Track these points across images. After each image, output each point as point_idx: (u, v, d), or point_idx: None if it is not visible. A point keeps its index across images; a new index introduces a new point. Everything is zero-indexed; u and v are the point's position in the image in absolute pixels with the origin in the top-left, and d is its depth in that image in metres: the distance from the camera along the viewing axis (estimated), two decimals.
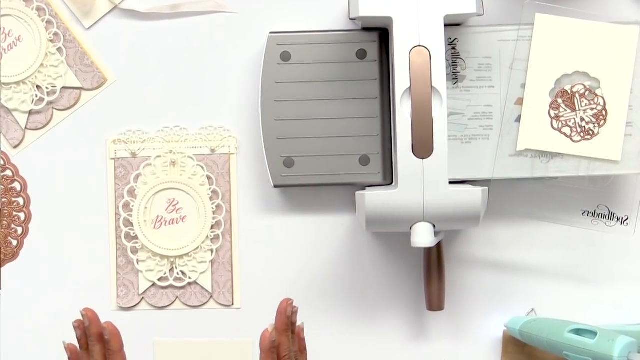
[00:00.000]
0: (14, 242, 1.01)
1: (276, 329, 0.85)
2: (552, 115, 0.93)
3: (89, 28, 1.00)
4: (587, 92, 0.93)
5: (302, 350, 0.88)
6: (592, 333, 0.89)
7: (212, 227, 0.99)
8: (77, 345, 0.85)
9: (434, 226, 0.87)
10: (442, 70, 0.86)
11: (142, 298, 1.00)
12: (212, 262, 1.00)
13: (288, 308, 0.85)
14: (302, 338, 0.88)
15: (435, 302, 0.96)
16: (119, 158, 1.00)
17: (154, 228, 1.00)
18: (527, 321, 0.96)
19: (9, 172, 1.00)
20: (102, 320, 1.00)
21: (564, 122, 0.93)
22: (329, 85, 0.95)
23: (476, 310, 1.00)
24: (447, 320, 1.00)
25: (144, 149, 1.00)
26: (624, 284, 0.99)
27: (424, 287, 0.98)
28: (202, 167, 0.99)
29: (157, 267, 1.00)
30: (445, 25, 0.87)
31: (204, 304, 1.00)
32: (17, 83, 0.99)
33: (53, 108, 1.00)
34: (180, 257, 1.00)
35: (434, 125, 0.86)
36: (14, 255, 1.01)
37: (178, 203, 0.99)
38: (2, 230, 1.00)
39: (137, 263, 1.00)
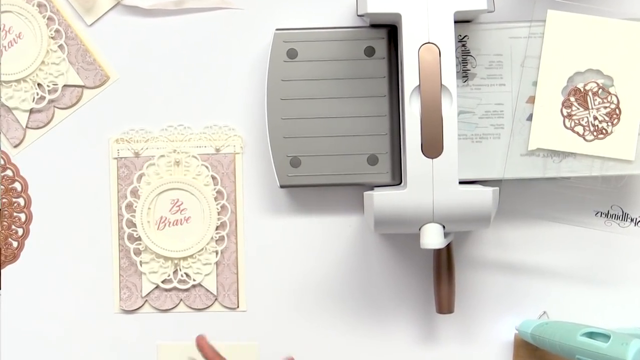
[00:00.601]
0: (15, 244, 1.00)
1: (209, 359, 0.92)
2: (565, 113, 0.93)
3: (91, 25, 0.99)
4: (600, 90, 0.93)
5: None
6: (605, 336, 0.89)
7: (217, 228, 0.99)
8: None
9: (444, 227, 0.87)
10: (452, 67, 0.86)
11: (146, 300, 1.00)
12: (216, 263, 0.99)
13: (205, 340, 0.92)
14: None
15: (445, 304, 0.96)
16: (121, 158, 0.99)
17: (158, 229, 0.99)
18: (539, 324, 0.95)
19: (9, 172, 1.00)
20: (103, 322, 0.99)
21: (577, 121, 0.92)
22: (336, 83, 0.95)
23: (487, 313, 1.00)
24: (457, 323, 1.00)
25: (147, 148, 0.99)
26: (638, 286, 0.99)
27: (433, 289, 0.98)
28: (207, 167, 0.99)
29: (160, 269, 0.99)
30: (455, 22, 0.86)
31: (208, 306, 1.00)
32: (18, 81, 0.99)
33: (54, 106, 0.99)
34: (185, 258, 0.99)
35: (444, 124, 0.86)
36: (14, 257, 1.00)
37: (182, 204, 0.99)
38: (3, 231, 1.00)
39: (140, 265, 0.99)
